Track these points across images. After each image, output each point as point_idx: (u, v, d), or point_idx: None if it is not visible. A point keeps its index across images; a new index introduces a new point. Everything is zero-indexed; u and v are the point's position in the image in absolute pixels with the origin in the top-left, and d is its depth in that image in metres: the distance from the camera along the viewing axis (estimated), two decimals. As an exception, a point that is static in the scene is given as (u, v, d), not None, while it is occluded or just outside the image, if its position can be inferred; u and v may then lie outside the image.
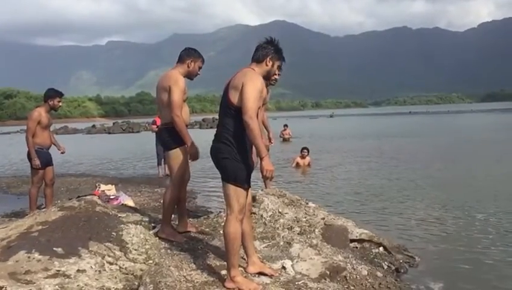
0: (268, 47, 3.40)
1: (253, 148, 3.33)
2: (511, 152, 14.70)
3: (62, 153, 6.57)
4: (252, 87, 3.14)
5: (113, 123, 51.60)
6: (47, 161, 6.08)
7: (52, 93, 6.03)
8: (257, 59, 3.39)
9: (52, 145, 6.25)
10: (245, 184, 3.25)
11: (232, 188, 3.20)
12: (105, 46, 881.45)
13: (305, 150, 12.55)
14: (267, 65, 3.39)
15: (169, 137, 4.05)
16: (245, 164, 3.25)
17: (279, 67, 3.50)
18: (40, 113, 5.94)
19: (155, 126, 10.79)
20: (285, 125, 23.13)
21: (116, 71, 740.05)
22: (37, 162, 5.90)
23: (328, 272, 3.78)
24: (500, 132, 24.81)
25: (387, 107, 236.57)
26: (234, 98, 3.19)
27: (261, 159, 3.15)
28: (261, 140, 3.15)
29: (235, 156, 3.19)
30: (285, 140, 21.91)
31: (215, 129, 3.37)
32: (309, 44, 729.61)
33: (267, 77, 3.47)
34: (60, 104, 6.13)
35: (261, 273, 3.55)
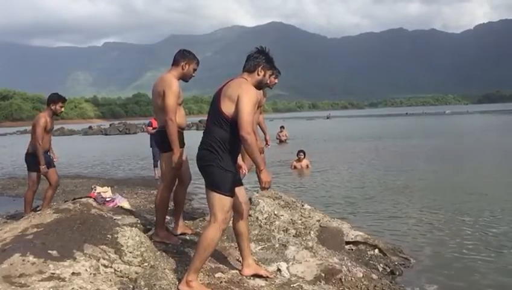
0: (260, 56, 3.39)
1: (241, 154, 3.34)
2: (506, 154, 14.75)
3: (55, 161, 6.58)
4: (248, 100, 3.13)
5: (110, 124, 51.46)
6: (46, 164, 6.06)
7: (55, 98, 6.02)
8: (248, 69, 3.39)
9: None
10: (228, 193, 3.21)
11: (216, 197, 3.18)
12: (101, 47, 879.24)
13: (301, 153, 12.55)
14: (258, 75, 3.38)
15: (165, 140, 4.05)
16: (230, 173, 3.22)
17: (276, 75, 3.50)
18: (46, 118, 5.94)
19: (151, 128, 10.76)
20: (282, 127, 23.13)
21: (113, 72, 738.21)
22: (45, 170, 5.93)
23: (323, 275, 3.79)
24: (496, 133, 24.91)
25: (384, 108, 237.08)
26: (226, 108, 3.19)
27: (260, 171, 3.20)
28: (259, 154, 3.19)
29: (219, 164, 3.18)
30: (281, 142, 21.91)
31: (203, 136, 3.34)
32: (306, 45, 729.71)
33: (259, 87, 3.46)
34: (62, 109, 6.12)
35: (256, 275, 3.56)
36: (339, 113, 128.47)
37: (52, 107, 5.97)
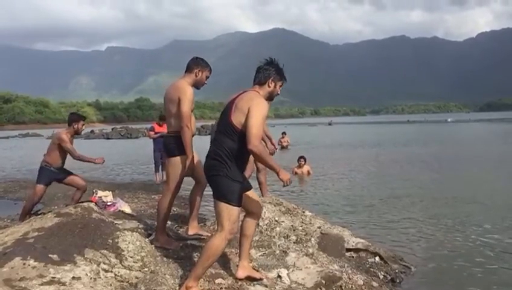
0: (270, 68, 3.43)
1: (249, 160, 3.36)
2: (507, 163, 14.73)
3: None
4: (258, 114, 3.17)
5: (112, 128, 51.51)
6: (48, 180, 6.07)
7: (76, 117, 6.11)
8: (259, 81, 3.42)
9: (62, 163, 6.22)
10: (236, 203, 3.23)
11: (224, 206, 3.20)
12: (104, 52, 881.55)
13: (302, 159, 12.53)
14: (269, 86, 3.43)
15: (175, 145, 4.07)
16: (237, 183, 3.24)
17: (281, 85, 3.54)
18: (67, 135, 6.00)
19: (153, 132, 10.78)
20: (284, 133, 23.15)
21: (115, 76, 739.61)
22: (99, 159, 6.05)
23: (323, 282, 3.78)
24: (497, 142, 24.88)
25: (386, 115, 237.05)
26: (236, 119, 3.21)
27: (278, 174, 3.22)
28: (271, 159, 3.21)
29: (227, 173, 3.20)
30: (283, 148, 21.91)
31: (211, 146, 3.38)
32: (308, 52, 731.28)
33: (271, 98, 3.51)
34: (84, 127, 6.22)
35: (249, 277, 3.56)
36: (340, 119, 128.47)
37: (75, 127, 6.05)
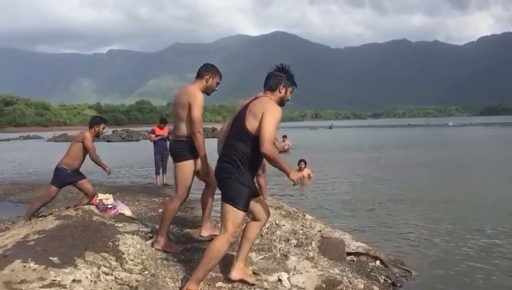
0: (281, 75, 3.47)
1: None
2: (507, 167, 14.71)
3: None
4: (271, 119, 3.21)
5: (113, 131, 51.46)
6: (63, 182, 6.09)
7: (98, 120, 6.22)
8: (271, 87, 3.47)
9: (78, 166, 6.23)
10: (242, 207, 3.26)
11: (230, 209, 3.23)
12: (106, 54, 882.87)
13: (302, 162, 12.52)
14: (280, 92, 3.47)
15: (183, 149, 4.08)
16: (247, 188, 3.27)
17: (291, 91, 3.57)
18: (91, 135, 6.06)
19: (154, 135, 10.78)
20: (284, 136, 23.17)
21: (116, 79, 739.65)
22: (108, 169, 6.21)
23: (324, 285, 3.78)
24: (498, 146, 24.86)
25: (387, 119, 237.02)
26: (250, 125, 3.26)
27: (288, 175, 3.28)
28: (283, 162, 3.24)
29: (238, 177, 3.23)
30: (284, 151, 21.91)
31: (223, 149, 3.42)
32: (309, 55, 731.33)
33: (282, 103, 3.54)
34: (104, 130, 6.32)
35: (242, 281, 3.56)
36: (341, 123, 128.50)
37: (96, 129, 6.12)
